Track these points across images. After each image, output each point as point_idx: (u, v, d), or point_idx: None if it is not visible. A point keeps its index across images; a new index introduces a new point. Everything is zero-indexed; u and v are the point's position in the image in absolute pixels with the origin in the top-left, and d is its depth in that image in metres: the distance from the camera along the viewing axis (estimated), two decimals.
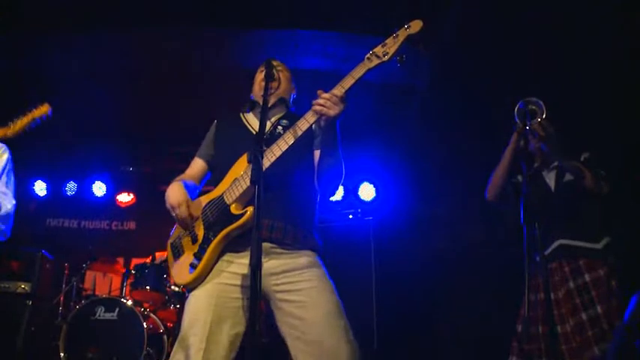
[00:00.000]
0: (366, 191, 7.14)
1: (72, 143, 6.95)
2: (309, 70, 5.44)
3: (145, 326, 4.96)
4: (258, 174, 2.07)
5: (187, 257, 2.58)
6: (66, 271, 5.99)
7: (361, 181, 7.19)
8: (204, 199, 2.69)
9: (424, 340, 6.08)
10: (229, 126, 2.94)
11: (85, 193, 7.59)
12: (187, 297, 2.55)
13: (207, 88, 5.76)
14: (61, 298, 5.73)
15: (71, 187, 7.56)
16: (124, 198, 7.75)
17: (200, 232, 2.60)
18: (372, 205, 7.09)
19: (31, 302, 5.24)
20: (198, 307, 2.45)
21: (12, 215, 3.13)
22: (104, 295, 5.46)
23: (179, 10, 4.66)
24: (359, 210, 6.93)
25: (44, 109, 3.25)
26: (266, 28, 4.99)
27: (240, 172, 2.58)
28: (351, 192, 7.18)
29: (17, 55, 5.05)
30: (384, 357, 5.70)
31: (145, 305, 5.40)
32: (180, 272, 2.58)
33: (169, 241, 2.75)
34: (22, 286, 5.24)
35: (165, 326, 5.31)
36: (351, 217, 6.93)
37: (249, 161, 2.37)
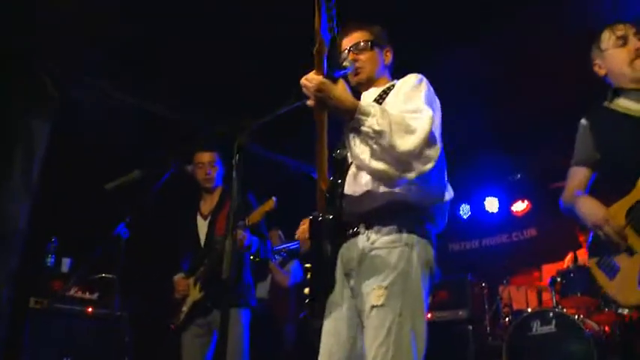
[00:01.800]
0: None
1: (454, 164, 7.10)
2: None
3: (588, 334, 4.55)
4: None
5: (628, 273, 2.22)
6: (485, 291, 6.01)
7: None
8: (621, 206, 2.31)
9: None
10: (608, 122, 2.50)
11: (479, 212, 7.69)
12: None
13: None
14: (488, 318, 5.76)
15: (465, 210, 7.75)
16: (519, 207, 7.55)
17: (634, 242, 2.21)
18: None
19: (472, 327, 5.35)
20: None
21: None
22: (537, 309, 5.23)
23: None
24: None
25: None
26: None
27: None
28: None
29: None
30: None
31: (579, 312, 5.00)
32: (624, 291, 2.23)
33: (592, 262, 2.42)
34: (460, 313, 5.40)
35: (604, 331, 4.81)
36: None
37: None
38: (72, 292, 4.79)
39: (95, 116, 5.12)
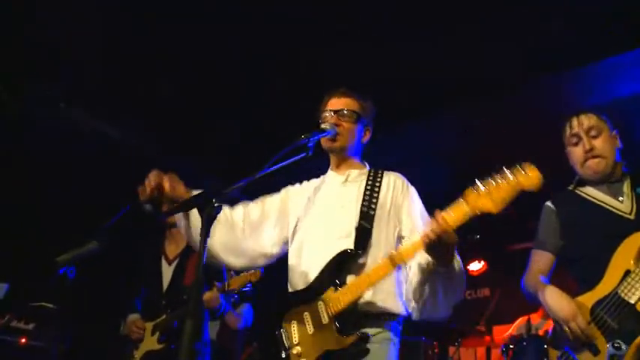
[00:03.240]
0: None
1: None
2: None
3: None
4: None
5: None
6: (435, 350, 5.92)
7: None
8: (586, 300, 2.25)
9: None
10: (575, 209, 2.49)
11: None
12: None
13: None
14: None
15: None
16: (475, 266, 7.56)
17: (599, 341, 2.14)
18: None
19: None
20: None
21: None
22: None
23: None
24: None
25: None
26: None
27: (628, 261, 2.16)
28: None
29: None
30: None
31: None
32: None
33: (553, 355, 2.36)
34: None
35: None
36: None
37: None
38: (4, 319, 4.45)
39: (52, 136, 4.89)
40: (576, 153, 2.49)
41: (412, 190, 2.40)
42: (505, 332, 6.08)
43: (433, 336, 5.94)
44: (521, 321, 6.14)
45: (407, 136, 5.12)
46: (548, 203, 2.61)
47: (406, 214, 2.32)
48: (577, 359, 2.21)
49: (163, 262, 3.82)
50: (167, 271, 3.77)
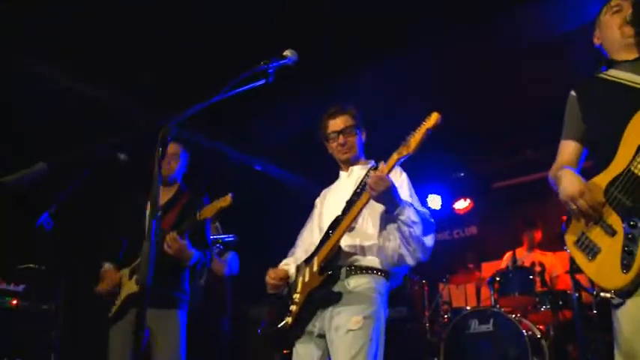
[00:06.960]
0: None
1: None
2: None
3: (525, 333, 4.61)
4: None
5: (609, 255, 2.02)
6: (425, 289, 6.02)
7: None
8: (600, 180, 2.13)
9: None
10: (596, 91, 2.37)
11: None
12: (618, 304, 2.03)
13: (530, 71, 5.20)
14: (427, 316, 5.78)
15: None
16: (461, 205, 7.64)
17: (614, 221, 2.02)
18: None
19: (408, 325, 5.35)
20: None
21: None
22: (476, 308, 5.26)
23: None
24: None
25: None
26: None
27: None
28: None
29: None
30: None
31: (516, 312, 5.07)
32: (606, 274, 2.04)
33: (570, 241, 2.23)
34: (400, 310, 5.40)
35: (540, 330, 4.86)
36: None
37: None
38: None
39: (25, 99, 4.79)
40: (616, 18, 2.36)
41: (403, 176, 2.82)
42: (493, 269, 6.17)
43: (420, 272, 6.03)
44: (508, 256, 6.23)
45: (383, 73, 5.05)
46: (572, 92, 2.47)
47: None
48: (594, 242, 2.10)
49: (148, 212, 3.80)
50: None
